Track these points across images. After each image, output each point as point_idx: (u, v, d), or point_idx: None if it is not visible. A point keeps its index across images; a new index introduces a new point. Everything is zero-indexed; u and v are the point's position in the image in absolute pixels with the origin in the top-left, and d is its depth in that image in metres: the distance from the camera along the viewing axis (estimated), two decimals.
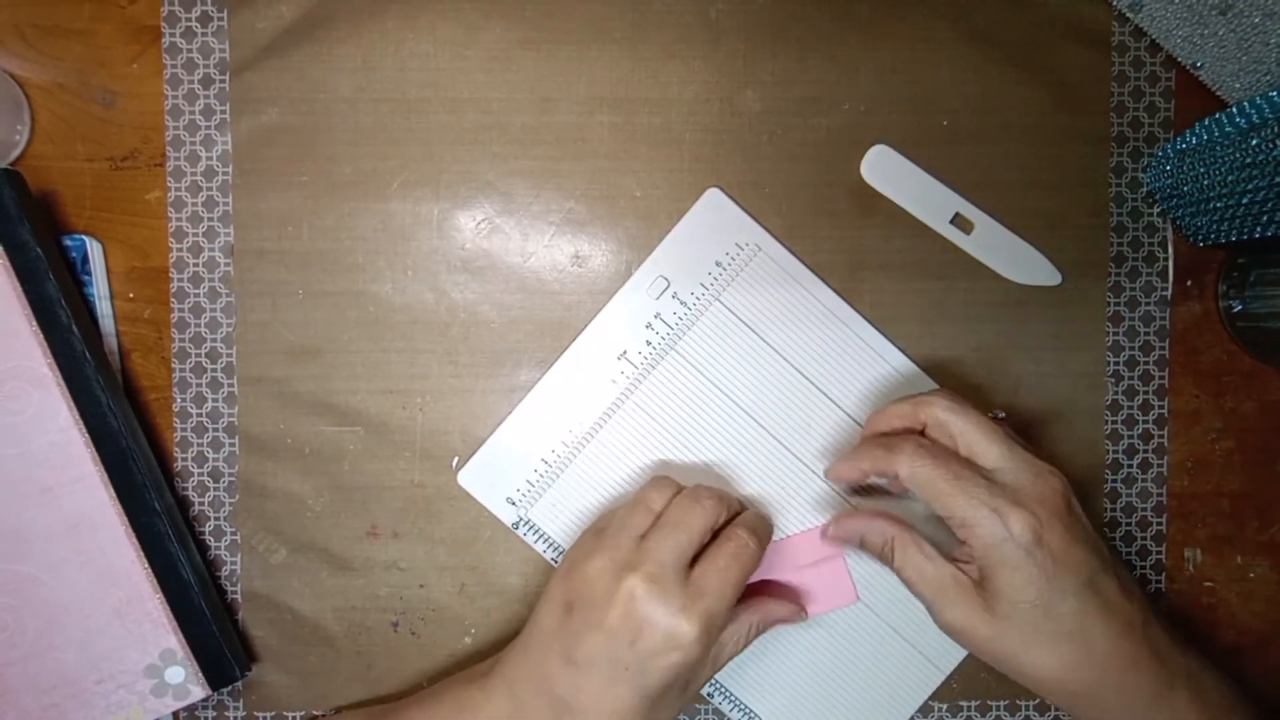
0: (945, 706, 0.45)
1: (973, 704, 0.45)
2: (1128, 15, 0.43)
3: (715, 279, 0.44)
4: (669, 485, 0.40)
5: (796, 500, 0.44)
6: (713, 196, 0.44)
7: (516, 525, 0.44)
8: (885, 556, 0.39)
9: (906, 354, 0.44)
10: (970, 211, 0.44)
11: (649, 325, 0.44)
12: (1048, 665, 0.35)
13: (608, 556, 0.37)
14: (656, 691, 0.36)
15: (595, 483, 0.44)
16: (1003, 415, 0.39)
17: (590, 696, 0.36)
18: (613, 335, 0.44)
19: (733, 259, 0.44)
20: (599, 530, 0.40)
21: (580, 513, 0.44)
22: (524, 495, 0.44)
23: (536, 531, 0.44)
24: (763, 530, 0.40)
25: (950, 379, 0.45)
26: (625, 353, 0.44)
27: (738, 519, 0.40)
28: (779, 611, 0.41)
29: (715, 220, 0.44)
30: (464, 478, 0.44)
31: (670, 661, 0.35)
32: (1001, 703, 0.45)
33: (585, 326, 0.44)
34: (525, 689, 0.37)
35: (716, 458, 0.44)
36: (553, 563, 0.45)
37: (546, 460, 0.44)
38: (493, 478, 0.44)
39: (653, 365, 0.44)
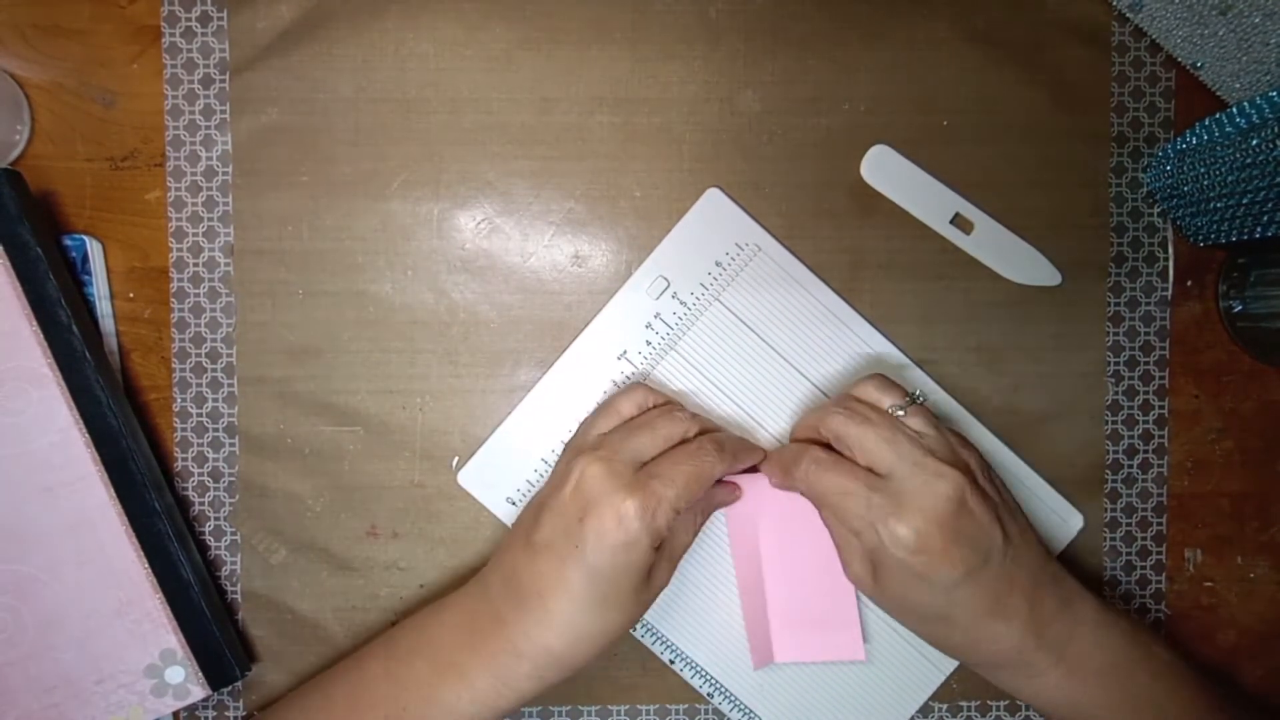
0: (945, 706, 0.45)
1: (973, 704, 0.45)
2: (1128, 15, 0.43)
3: (715, 279, 0.44)
4: (641, 394, 0.41)
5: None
6: (713, 196, 0.44)
7: None
8: (806, 493, 0.40)
9: (907, 354, 0.44)
10: (970, 211, 0.44)
11: (649, 325, 0.44)
12: (919, 632, 0.40)
13: (572, 448, 0.40)
14: (606, 575, 0.36)
15: None
16: (920, 398, 0.39)
17: (544, 578, 0.36)
18: (613, 335, 0.44)
19: (733, 259, 0.44)
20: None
21: None
22: (524, 495, 0.44)
23: None
24: (730, 445, 0.40)
25: (950, 379, 0.45)
26: (625, 353, 0.44)
27: (708, 433, 0.40)
28: (719, 495, 0.42)
29: (715, 220, 0.44)
30: (464, 477, 0.44)
31: (615, 541, 0.35)
32: (1001, 703, 0.45)
33: (585, 326, 0.44)
34: (494, 577, 0.39)
35: None
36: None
37: (546, 460, 0.44)
38: (493, 477, 0.44)
39: (653, 365, 0.44)
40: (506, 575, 0.38)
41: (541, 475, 0.44)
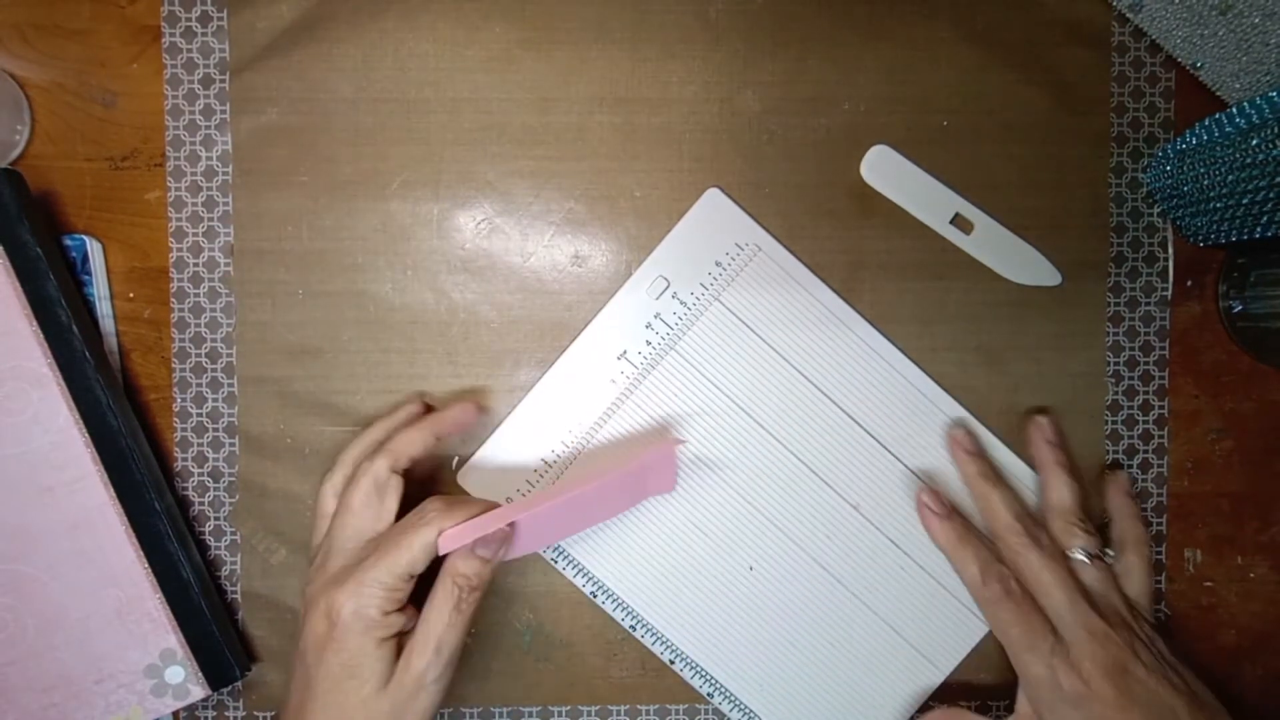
0: (945, 707, 0.45)
1: (972, 704, 0.45)
2: (1128, 15, 0.43)
3: (715, 279, 0.44)
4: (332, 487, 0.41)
5: (796, 500, 0.44)
6: (713, 196, 0.44)
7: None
8: None
9: (907, 355, 0.44)
10: (970, 211, 0.44)
11: (649, 325, 0.44)
12: None
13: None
14: (327, 687, 0.36)
15: None
16: (1110, 557, 0.41)
17: (301, 711, 0.37)
18: (613, 335, 0.44)
19: (733, 259, 0.44)
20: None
21: None
22: (524, 495, 0.44)
23: None
24: (489, 567, 0.38)
25: (950, 379, 0.45)
26: (625, 353, 0.44)
27: (459, 564, 0.37)
28: (453, 563, 0.37)
29: (715, 220, 0.44)
30: (464, 477, 0.44)
31: (327, 650, 0.36)
32: (1001, 703, 0.45)
33: (585, 326, 0.44)
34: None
35: (715, 457, 0.44)
36: (551, 563, 0.45)
37: (547, 460, 0.44)
38: (493, 477, 0.44)
39: (653, 365, 0.44)
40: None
41: (542, 475, 0.44)
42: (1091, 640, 0.38)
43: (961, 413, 0.44)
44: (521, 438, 0.44)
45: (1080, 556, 0.40)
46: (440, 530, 0.36)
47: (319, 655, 0.36)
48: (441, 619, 0.36)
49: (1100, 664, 0.37)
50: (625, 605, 0.44)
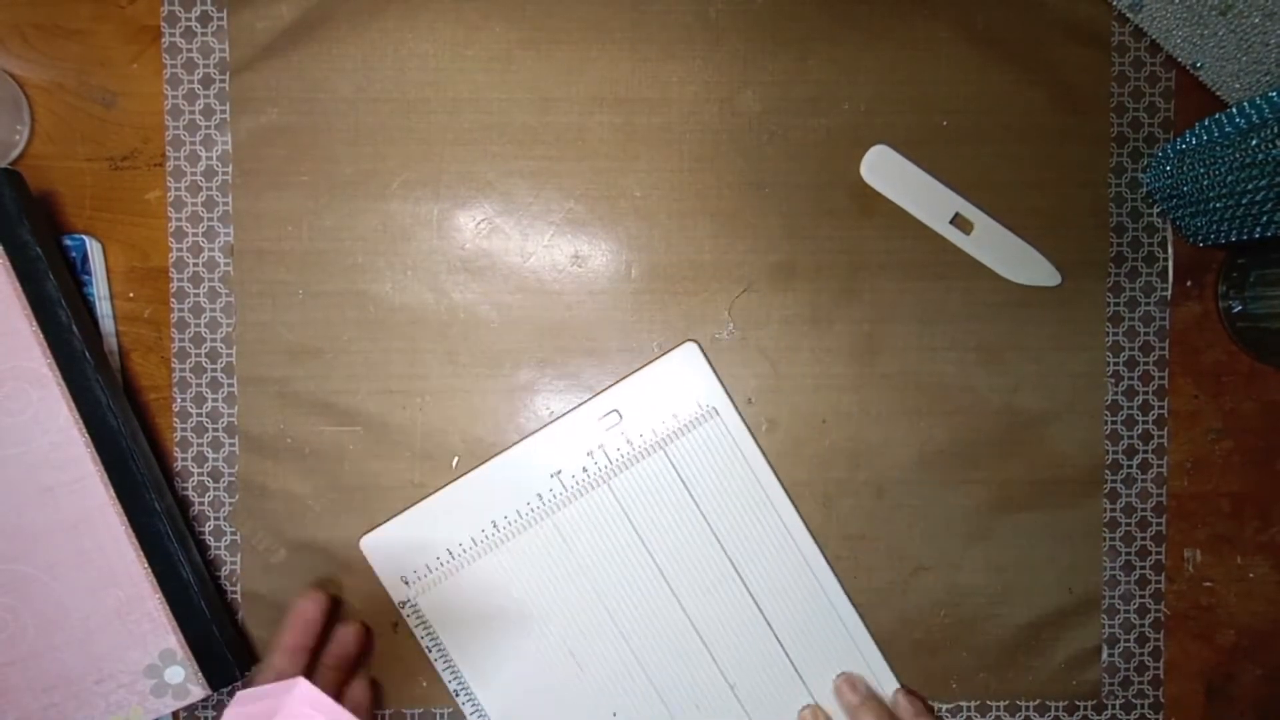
0: (946, 707, 0.45)
1: (972, 704, 0.45)
2: (1128, 15, 0.43)
3: (667, 429, 0.44)
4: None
5: (677, 663, 0.44)
6: (688, 351, 0.44)
7: (403, 604, 0.44)
8: None
9: (829, 561, 0.44)
10: (970, 211, 0.44)
11: (590, 453, 0.44)
12: None
13: None
14: None
15: (491, 588, 0.44)
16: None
17: None
18: (553, 451, 0.44)
19: (690, 415, 0.44)
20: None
21: (467, 613, 0.44)
22: (420, 579, 0.44)
23: (419, 616, 0.44)
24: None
25: (950, 379, 0.45)
26: (560, 472, 0.44)
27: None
28: None
29: (684, 373, 0.44)
30: (367, 543, 0.44)
31: None
32: (1001, 703, 0.45)
33: (527, 437, 0.44)
34: None
35: (614, 597, 0.44)
36: (426, 650, 0.44)
37: (452, 552, 0.44)
38: (396, 551, 0.44)
39: (582, 492, 0.44)
40: None
41: (443, 564, 0.44)
42: None
43: (869, 645, 0.45)
44: (435, 521, 0.44)
45: None
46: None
47: None
48: None
49: None
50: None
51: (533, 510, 0.44)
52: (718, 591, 0.44)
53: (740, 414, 0.44)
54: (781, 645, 0.44)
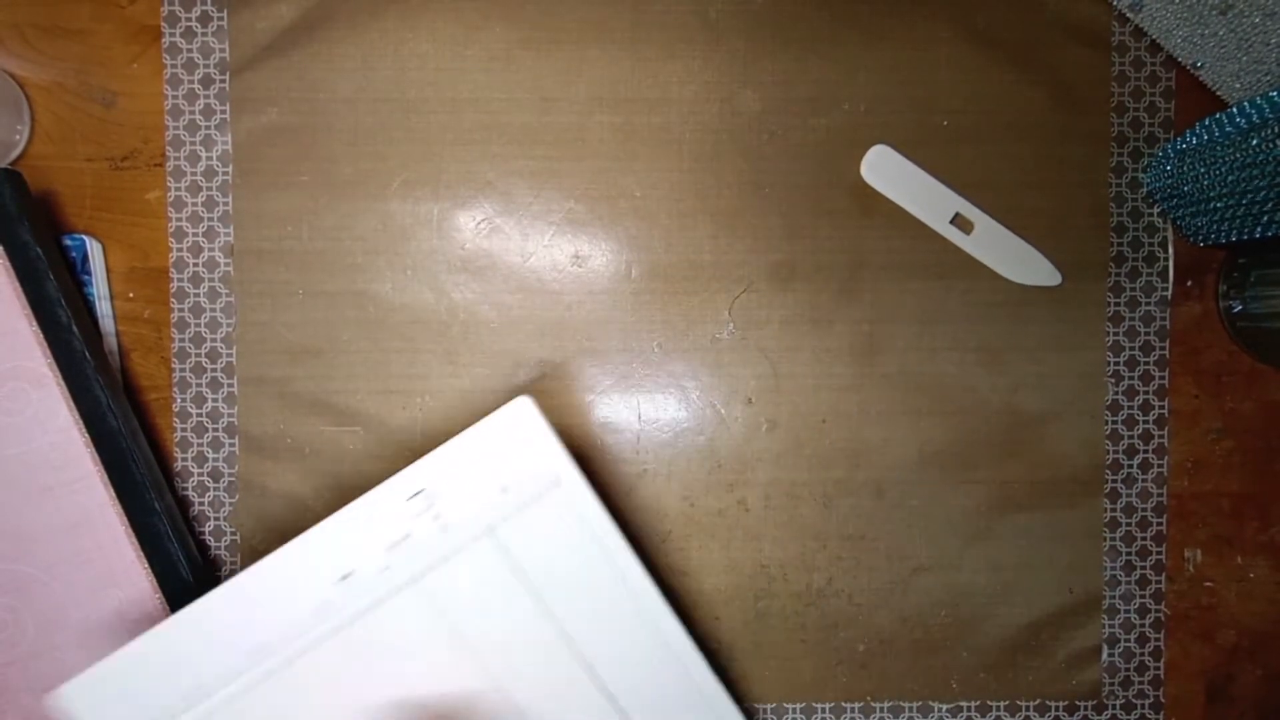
0: (946, 707, 0.45)
1: (972, 704, 0.45)
2: (1128, 15, 0.43)
3: (494, 508, 0.35)
4: None
5: None
6: (521, 408, 0.35)
7: None
8: None
9: (703, 656, 0.38)
10: (970, 211, 0.44)
11: (394, 546, 0.35)
12: None
13: None
14: None
15: None
16: None
17: None
18: (341, 549, 0.35)
19: (523, 488, 0.35)
20: None
21: None
22: None
23: None
24: None
25: (950, 379, 0.45)
26: (352, 574, 0.35)
27: None
28: None
29: (517, 435, 0.35)
30: (68, 695, 0.33)
31: None
32: (1001, 704, 0.45)
33: (308, 528, 0.36)
34: None
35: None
36: None
37: (196, 695, 0.34)
38: (112, 699, 0.33)
39: (384, 598, 0.35)
40: None
41: (184, 715, 0.34)
42: None
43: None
44: (167, 658, 0.34)
45: None
46: None
47: None
48: None
49: None
50: None
51: (313, 628, 0.34)
52: (568, 697, 0.36)
53: (586, 481, 0.36)
54: None
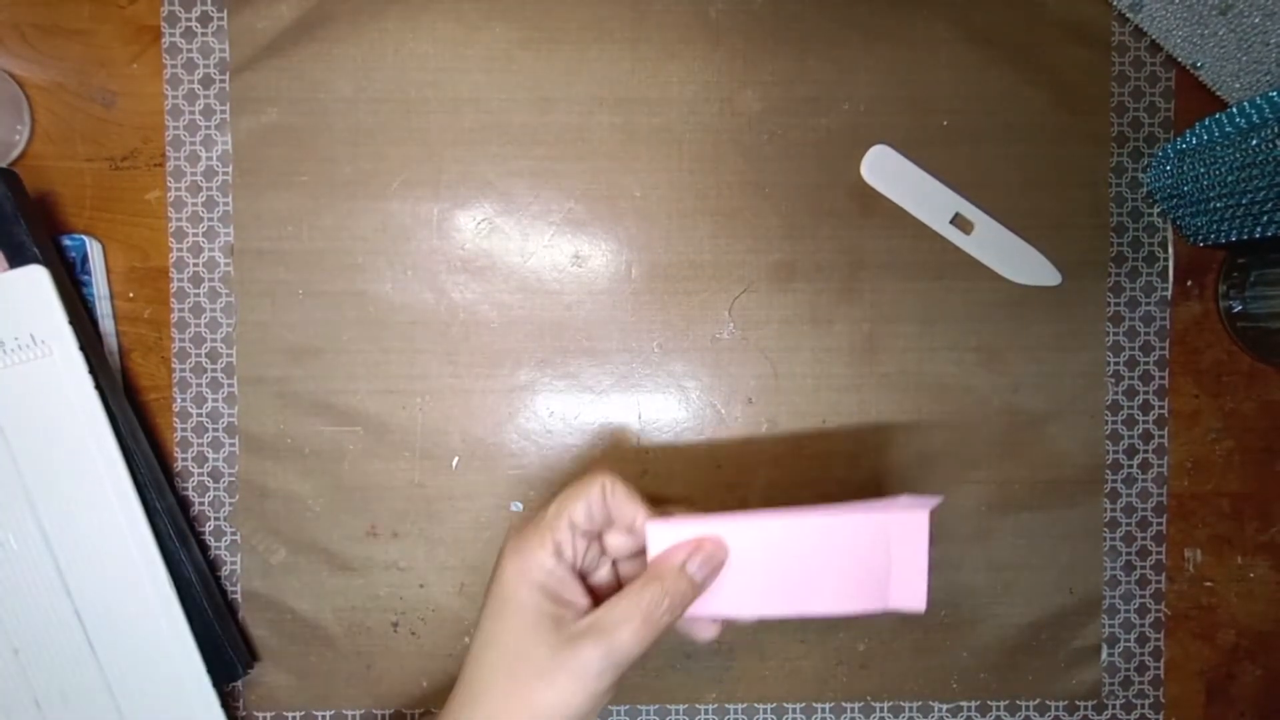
0: (946, 707, 0.45)
1: (973, 704, 0.45)
2: (1128, 15, 0.43)
3: None
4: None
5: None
6: (32, 273, 0.35)
7: None
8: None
9: (164, 561, 0.39)
10: (970, 211, 0.44)
11: None
12: None
13: None
14: (497, 631, 0.31)
15: None
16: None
17: (467, 656, 0.32)
18: None
19: (17, 348, 0.36)
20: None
21: None
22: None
23: None
24: (691, 597, 0.32)
25: (950, 379, 0.45)
26: None
27: (670, 584, 0.32)
28: (676, 556, 0.32)
29: (15, 295, 0.35)
30: None
31: (490, 594, 0.32)
32: (1001, 703, 0.45)
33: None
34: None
35: None
36: None
37: None
38: None
39: None
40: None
41: None
42: None
43: (187, 638, 0.40)
44: None
45: None
46: (604, 481, 0.32)
47: (486, 600, 0.32)
48: (627, 621, 0.30)
49: None
50: None
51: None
52: (21, 556, 0.36)
53: (83, 361, 0.36)
54: (79, 617, 0.38)
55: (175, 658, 0.40)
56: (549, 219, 0.44)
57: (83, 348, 0.39)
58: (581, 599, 0.32)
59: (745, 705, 0.45)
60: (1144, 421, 0.45)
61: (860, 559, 0.33)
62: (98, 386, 0.38)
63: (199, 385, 0.44)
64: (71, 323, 0.38)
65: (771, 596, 0.33)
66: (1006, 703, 0.45)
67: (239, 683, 0.44)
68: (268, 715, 0.45)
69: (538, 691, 0.30)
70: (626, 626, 0.30)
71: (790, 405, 0.45)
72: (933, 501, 0.33)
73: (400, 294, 0.44)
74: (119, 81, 0.44)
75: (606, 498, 0.32)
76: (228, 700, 0.45)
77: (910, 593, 0.33)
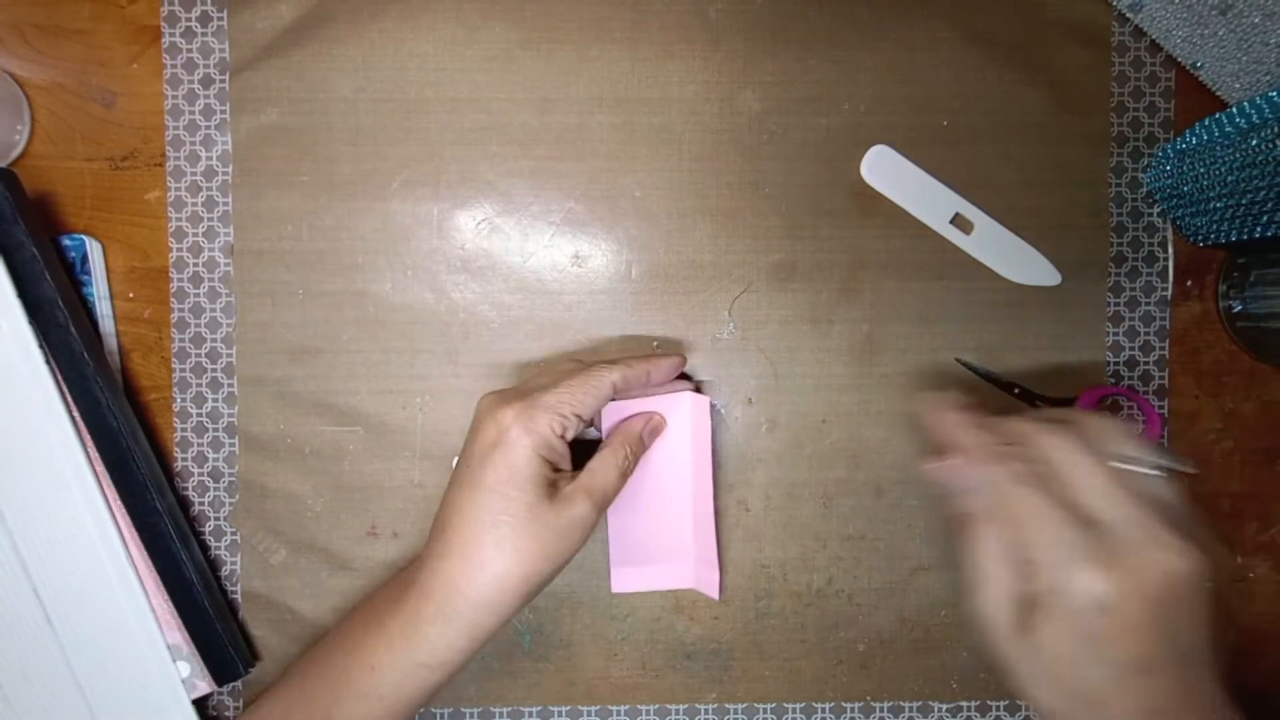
0: (946, 707, 0.45)
1: (973, 704, 0.45)
2: (1128, 15, 0.43)
3: None
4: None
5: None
6: None
7: None
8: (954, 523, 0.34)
9: (114, 506, 0.40)
10: (970, 211, 0.44)
11: None
12: (1048, 703, 0.31)
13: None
14: (492, 489, 0.36)
15: None
16: (1173, 465, 0.31)
17: (445, 509, 0.37)
18: None
19: None
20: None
21: None
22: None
23: None
24: (630, 362, 0.40)
25: (950, 379, 0.45)
26: None
27: (610, 364, 0.39)
28: (635, 426, 0.41)
29: None
30: None
31: (490, 443, 0.36)
32: (1001, 703, 0.45)
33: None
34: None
35: None
36: None
37: None
38: None
39: None
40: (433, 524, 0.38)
41: None
42: (1159, 548, 0.29)
43: (142, 604, 0.40)
44: None
45: (1134, 468, 0.31)
46: (613, 381, 0.38)
47: (485, 457, 0.36)
48: (608, 476, 0.38)
49: (1168, 570, 0.29)
50: None
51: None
52: None
53: (38, 336, 0.37)
54: (24, 566, 0.39)
55: (135, 632, 0.41)
56: (549, 219, 0.44)
57: (32, 321, 0.39)
58: (568, 465, 0.38)
59: (745, 705, 0.45)
60: (1144, 422, 0.45)
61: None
62: (48, 361, 0.39)
63: (199, 385, 0.44)
64: (20, 296, 0.39)
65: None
66: (1006, 703, 0.45)
67: (239, 683, 0.44)
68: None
69: (548, 542, 0.36)
70: (610, 482, 0.38)
71: (790, 405, 0.45)
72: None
73: (400, 294, 0.44)
74: (119, 81, 0.44)
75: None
76: (226, 702, 0.45)
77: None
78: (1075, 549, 0.29)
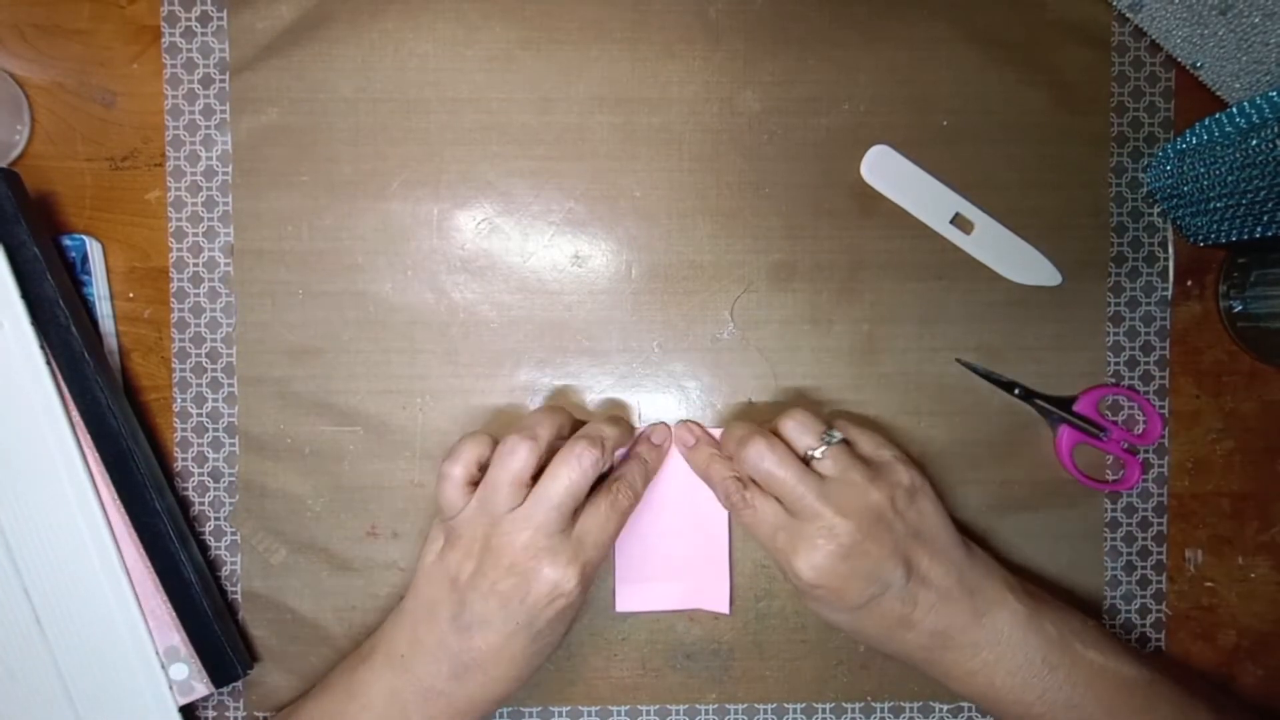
0: (946, 707, 0.45)
1: (972, 704, 0.45)
2: (1128, 15, 0.43)
3: None
4: (558, 420, 0.40)
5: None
6: None
7: None
8: (728, 504, 0.41)
9: (110, 531, 0.40)
10: (970, 211, 0.44)
11: None
12: (846, 632, 0.43)
13: (487, 515, 0.38)
14: (547, 635, 0.39)
15: None
16: (833, 439, 0.39)
17: (484, 654, 0.38)
18: None
19: None
20: (477, 485, 0.39)
21: None
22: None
23: None
24: (641, 478, 0.42)
25: (950, 379, 0.45)
26: None
27: (621, 469, 0.42)
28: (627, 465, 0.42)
29: None
30: None
31: (557, 608, 0.38)
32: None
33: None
34: (417, 658, 0.39)
35: None
36: None
37: None
38: None
39: None
40: (435, 656, 0.38)
41: None
42: (818, 530, 0.38)
43: (135, 614, 0.40)
44: None
45: (813, 453, 0.39)
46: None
47: (554, 613, 0.38)
48: (600, 537, 0.39)
49: (826, 551, 0.38)
50: None
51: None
52: None
53: (39, 335, 0.37)
54: (21, 579, 0.39)
55: (123, 635, 0.41)
56: (549, 219, 0.44)
57: (33, 321, 0.39)
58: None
59: (745, 705, 0.45)
60: (1144, 421, 0.45)
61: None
62: (48, 361, 0.39)
63: (199, 385, 0.44)
64: (24, 296, 0.39)
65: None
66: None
67: (239, 683, 0.44)
68: (268, 715, 0.45)
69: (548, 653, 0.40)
70: (605, 539, 0.40)
71: (790, 405, 0.45)
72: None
73: (400, 294, 0.44)
74: (119, 81, 0.44)
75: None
76: (226, 702, 0.45)
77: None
78: (780, 547, 0.39)
